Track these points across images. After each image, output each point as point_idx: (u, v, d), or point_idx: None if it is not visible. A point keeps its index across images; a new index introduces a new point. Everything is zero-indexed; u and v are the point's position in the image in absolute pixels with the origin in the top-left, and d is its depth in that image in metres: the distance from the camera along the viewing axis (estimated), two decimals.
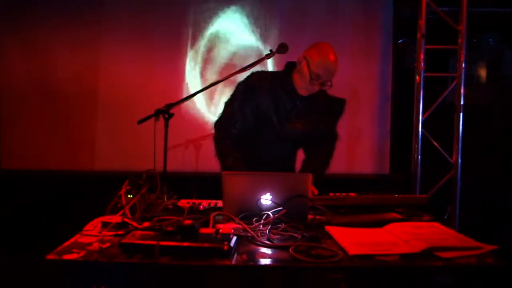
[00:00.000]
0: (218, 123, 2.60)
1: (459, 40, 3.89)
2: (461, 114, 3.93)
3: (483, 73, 4.79)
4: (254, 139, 2.54)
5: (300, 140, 2.62)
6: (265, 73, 2.61)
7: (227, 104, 2.58)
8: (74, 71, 4.04)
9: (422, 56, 3.89)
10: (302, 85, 2.43)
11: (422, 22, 3.87)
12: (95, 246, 1.64)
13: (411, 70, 4.02)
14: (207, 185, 2.37)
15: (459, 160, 3.95)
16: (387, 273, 1.56)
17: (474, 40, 4.50)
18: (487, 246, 1.67)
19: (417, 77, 3.93)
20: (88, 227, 1.88)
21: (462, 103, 3.93)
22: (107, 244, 1.65)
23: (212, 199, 2.27)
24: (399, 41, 4.24)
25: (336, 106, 2.63)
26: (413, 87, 3.96)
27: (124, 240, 1.61)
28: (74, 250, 1.59)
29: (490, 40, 4.76)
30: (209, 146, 4.08)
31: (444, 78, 4.22)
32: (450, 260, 1.57)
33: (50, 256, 1.54)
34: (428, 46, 3.90)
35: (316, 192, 2.30)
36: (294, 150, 2.67)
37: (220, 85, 3.92)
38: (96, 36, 4.05)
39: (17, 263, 3.52)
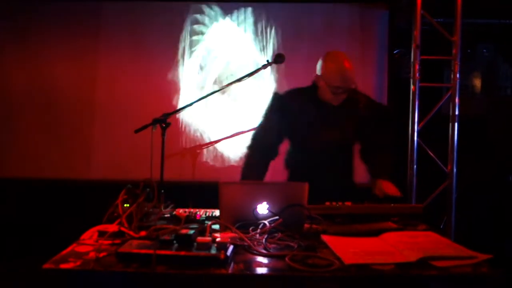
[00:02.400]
0: (255, 134, 2.64)
1: (454, 51, 3.93)
2: (456, 124, 3.96)
3: (477, 83, 4.83)
4: (299, 151, 2.56)
5: (345, 147, 2.61)
6: (297, 89, 2.62)
7: (264, 117, 2.61)
8: (71, 80, 4.06)
9: (417, 67, 3.93)
10: (328, 98, 2.45)
11: (417, 33, 3.90)
12: (92, 255, 1.64)
13: (406, 81, 4.05)
14: (204, 194, 2.38)
15: (454, 170, 3.97)
16: (382, 282, 1.56)
17: (469, 50, 4.54)
18: (481, 255, 1.68)
19: (412, 87, 3.96)
20: (85, 236, 1.88)
21: (457, 113, 3.96)
22: (104, 253, 1.65)
23: (209, 208, 2.28)
24: (395, 52, 4.28)
25: (378, 113, 2.61)
26: (409, 97, 3.99)
27: (121, 249, 1.61)
28: (71, 259, 1.59)
29: (485, 50, 4.82)
30: (206, 155, 4.14)
31: (439, 88, 4.26)
32: (445, 269, 1.58)
33: (46, 265, 1.54)
34: (423, 57, 3.94)
35: (399, 194, 2.32)
36: (342, 158, 2.63)
37: (217, 95, 3.94)
38: (93, 44, 4.07)
39: (13, 272, 3.50)
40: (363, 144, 2.62)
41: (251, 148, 2.62)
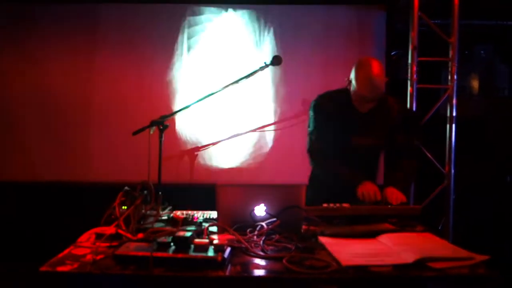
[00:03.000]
0: (308, 149, 2.60)
1: (451, 52, 3.94)
2: (453, 125, 3.96)
3: (475, 84, 4.85)
4: (336, 155, 2.52)
5: (374, 152, 2.60)
6: (328, 93, 2.60)
7: (309, 131, 2.60)
8: (69, 82, 4.05)
9: (414, 68, 3.93)
10: (356, 104, 2.44)
11: (414, 35, 3.91)
12: (89, 257, 1.63)
13: (404, 82, 4.06)
14: (202, 196, 2.38)
15: (452, 171, 3.97)
16: (380, 283, 1.56)
17: (466, 52, 4.56)
18: (479, 256, 1.68)
19: (409, 89, 3.97)
20: (82, 238, 1.87)
21: (454, 114, 3.96)
22: (101, 256, 1.65)
23: (206, 210, 2.28)
24: (392, 53, 4.29)
25: (409, 122, 2.59)
26: (406, 99, 3.99)
27: (118, 252, 1.61)
28: (68, 262, 1.59)
29: (482, 52, 4.83)
30: (204, 157, 4.14)
31: (436, 89, 4.26)
32: (442, 270, 1.58)
33: (43, 268, 1.54)
34: (420, 58, 3.95)
35: (405, 199, 2.28)
36: (370, 162, 2.62)
37: (214, 97, 3.94)
38: (91, 47, 4.06)
39: (11, 274, 3.50)
40: (391, 150, 2.59)
41: (319, 163, 2.57)
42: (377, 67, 2.32)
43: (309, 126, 2.60)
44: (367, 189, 2.30)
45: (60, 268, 1.54)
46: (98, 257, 1.63)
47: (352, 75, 2.39)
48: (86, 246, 1.78)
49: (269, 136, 4.08)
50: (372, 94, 2.34)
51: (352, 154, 2.51)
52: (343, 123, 2.50)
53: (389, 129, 2.51)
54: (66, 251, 1.71)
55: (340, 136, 2.51)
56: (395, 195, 2.28)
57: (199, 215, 2.19)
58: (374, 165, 2.67)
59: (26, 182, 4.00)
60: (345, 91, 2.49)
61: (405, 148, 2.53)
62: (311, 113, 2.59)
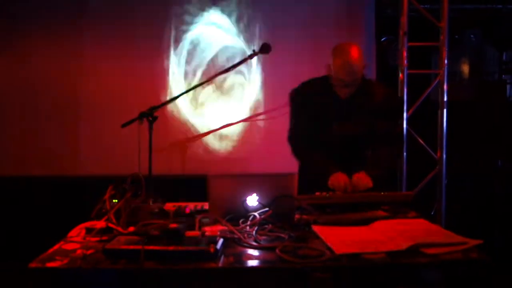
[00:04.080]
0: (289, 138, 2.60)
1: (441, 37, 3.93)
2: (444, 110, 3.96)
3: (465, 69, 4.84)
4: (319, 143, 2.51)
5: (358, 140, 2.55)
6: (310, 81, 2.58)
7: (290, 118, 2.60)
8: (55, 74, 3.99)
9: (405, 54, 3.92)
10: (336, 89, 2.42)
11: (404, 20, 3.89)
12: (79, 252, 1.61)
13: (394, 68, 4.05)
14: (194, 187, 2.36)
15: (444, 156, 3.98)
16: (374, 271, 1.56)
17: (456, 36, 4.54)
18: (472, 240, 1.68)
19: (400, 75, 3.96)
20: (72, 233, 1.85)
21: (445, 99, 3.96)
22: (92, 251, 1.62)
23: (198, 201, 2.26)
24: (382, 39, 4.27)
25: (391, 106, 2.57)
26: (397, 84, 3.98)
27: (109, 246, 1.59)
28: (58, 258, 1.57)
29: (472, 36, 4.82)
30: (195, 149, 4.11)
31: (427, 75, 4.26)
32: (435, 256, 1.58)
33: (33, 264, 1.51)
34: (410, 44, 3.93)
35: (371, 185, 2.27)
36: (355, 150, 2.58)
37: (204, 86, 3.91)
38: (77, 39, 4.00)
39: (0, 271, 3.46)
40: (373, 135, 2.55)
41: (298, 151, 2.57)
42: (354, 52, 2.31)
43: (293, 116, 2.60)
44: (337, 179, 2.28)
45: (50, 264, 1.52)
46: (89, 252, 1.61)
47: (331, 60, 2.37)
48: (76, 241, 1.75)
49: (260, 125, 4.06)
50: (350, 78, 2.33)
51: (338, 143, 2.49)
52: (324, 110, 2.47)
53: (373, 115, 2.47)
54: (55, 247, 1.69)
55: (322, 123, 2.48)
56: (361, 181, 2.27)
57: (191, 207, 2.17)
58: (363, 155, 2.65)
59: (14, 177, 3.94)
60: (325, 79, 2.47)
61: (386, 134, 2.50)
62: (290, 101, 2.58)
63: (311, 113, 2.49)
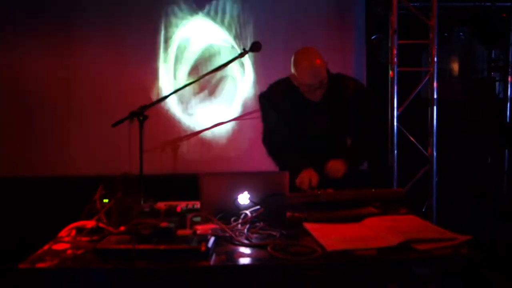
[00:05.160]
0: (262, 140, 2.61)
1: (431, 35, 3.95)
2: (435, 108, 3.98)
3: (455, 67, 4.88)
4: (293, 142, 2.51)
5: (334, 137, 2.57)
6: (279, 82, 2.57)
7: (262, 120, 2.60)
8: (45, 74, 3.96)
9: (395, 52, 3.93)
10: (308, 95, 2.41)
11: (394, 18, 3.91)
12: (70, 253, 1.60)
13: (384, 66, 4.06)
14: (186, 186, 2.35)
15: (435, 154, 4.00)
16: (365, 267, 1.56)
17: (446, 34, 4.57)
18: (461, 236, 1.70)
19: (390, 73, 3.97)
20: (62, 233, 1.83)
21: (435, 97, 3.98)
22: (82, 250, 1.61)
23: (190, 200, 2.25)
24: (372, 37, 4.28)
25: (361, 99, 2.54)
26: (387, 82, 4.00)
27: (99, 246, 1.58)
28: (48, 258, 1.56)
29: (461, 34, 4.85)
30: (186, 147, 4.10)
31: (417, 72, 4.28)
32: (426, 252, 1.59)
33: (22, 265, 1.50)
34: (400, 42, 3.95)
35: (342, 171, 2.30)
36: (333, 148, 2.55)
37: (194, 85, 3.90)
38: (67, 38, 3.97)
39: None
40: (350, 130, 2.58)
41: (273, 155, 2.57)
42: (314, 54, 2.33)
43: (263, 120, 2.60)
44: (303, 177, 2.29)
45: (40, 265, 1.50)
46: (79, 252, 1.60)
47: (293, 68, 2.37)
48: (66, 241, 1.74)
49: (251, 124, 4.05)
50: (316, 80, 2.32)
51: (313, 141, 2.50)
52: (295, 109, 2.47)
53: (346, 108, 2.48)
54: (45, 247, 1.67)
55: (294, 122, 2.49)
56: (334, 167, 2.31)
57: (182, 205, 2.16)
58: (338, 149, 2.65)
59: (3, 178, 3.90)
60: (293, 79, 2.46)
61: (362, 126, 2.51)
62: (259, 104, 2.60)
63: (281, 114, 2.49)
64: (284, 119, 2.50)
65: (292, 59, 2.38)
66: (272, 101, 2.53)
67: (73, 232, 1.81)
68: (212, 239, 1.64)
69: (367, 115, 2.53)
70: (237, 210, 1.94)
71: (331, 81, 2.41)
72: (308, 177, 2.27)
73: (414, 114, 4.03)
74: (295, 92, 2.44)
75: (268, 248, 1.61)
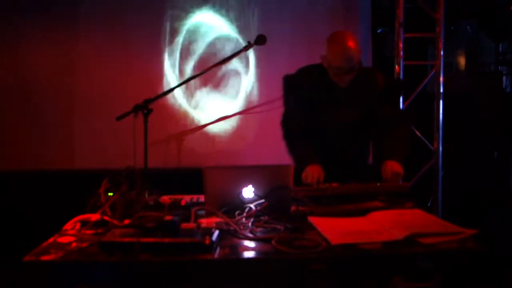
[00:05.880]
0: (281, 122, 2.59)
1: (437, 28, 3.91)
2: (441, 101, 3.96)
3: (461, 60, 4.84)
4: (315, 130, 2.49)
5: (358, 129, 2.53)
6: (308, 67, 2.55)
7: (284, 103, 2.59)
8: (50, 69, 3.95)
9: (401, 45, 3.90)
10: (335, 79, 2.39)
11: (400, 11, 3.87)
12: (74, 245, 1.60)
13: (390, 59, 4.03)
14: (190, 180, 2.34)
15: (440, 148, 3.98)
16: (370, 261, 1.56)
17: (452, 27, 4.53)
18: (468, 230, 1.68)
19: (396, 66, 3.95)
20: (67, 226, 1.84)
21: (441, 90, 3.95)
22: (87, 243, 1.62)
23: (194, 194, 2.25)
24: (378, 31, 4.25)
25: (390, 90, 2.55)
26: (393, 76, 3.97)
27: (104, 239, 1.58)
28: (52, 251, 1.56)
29: (468, 27, 4.81)
30: (191, 141, 4.09)
31: (423, 66, 4.25)
32: (432, 246, 1.58)
33: (27, 258, 1.51)
34: (406, 35, 3.91)
35: (401, 172, 2.25)
36: (356, 139, 2.56)
37: (199, 79, 3.88)
38: (72, 32, 3.96)
39: None
40: (377, 123, 2.51)
41: (287, 138, 2.56)
42: (350, 38, 2.31)
43: (285, 102, 2.59)
44: (310, 172, 2.27)
45: (44, 257, 1.51)
46: (84, 245, 1.60)
47: (325, 49, 2.35)
48: (71, 234, 1.74)
49: (255, 118, 4.04)
50: (347, 64, 2.30)
51: (334, 130, 2.47)
52: (321, 97, 2.45)
53: (373, 102, 2.46)
54: (50, 240, 1.68)
55: (318, 110, 2.47)
56: (395, 171, 2.23)
57: (187, 199, 2.16)
58: (363, 143, 2.64)
59: (8, 172, 3.92)
60: (323, 66, 2.45)
61: (391, 119, 2.47)
62: (283, 86, 2.57)
63: (305, 97, 2.47)
64: (307, 103, 2.47)
65: (328, 39, 2.36)
66: (297, 82, 2.51)
67: (78, 225, 1.82)
68: (216, 233, 1.64)
69: (397, 107, 2.50)
70: (241, 203, 1.93)
71: (361, 71, 2.40)
72: (317, 171, 2.26)
73: (420, 108, 4.00)
74: (323, 76, 2.43)
75: (273, 242, 1.60)
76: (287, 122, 2.56)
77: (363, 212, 1.96)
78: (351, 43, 2.29)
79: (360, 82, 2.42)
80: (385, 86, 2.49)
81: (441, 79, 3.94)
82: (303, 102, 2.48)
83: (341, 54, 2.29)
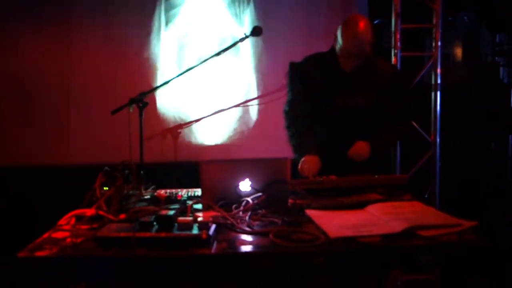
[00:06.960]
0: (284, 111, 2.57)
1: (435, 19, 3.88)
2: (438, 93, 3.94)
3: (459, 51, 4.82)
4: (320, 118, 2.47)
5: (365, 116, 2.48)
6: (315, 55, 2.54)
7: (288, 91, 2.57)
8: (44, 63, 3.91)
9: (398, 36, 3.87)
10: (341, 61, 2.39)
11: (397, 2, 3.83)
12: (69, 241, 1.58)
13: (387, 50, 4.01)
14: (187, 174, 2.32)
15: (438, 139, 3.97)
16: (369, 254, 1.54)
17: (450, 18, 4.51)
18: (467, 222, 1.67)
19: (393, 57, 3.92)
20: (62, 221, 1.82)
21: (439, 82, 3.93)
22: (82, 238, 1.60)
23: (191, 188, 2.23)
24: (375, 22, 4.22)
25: (399, 86, 2.52)
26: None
27: (99, 233, 1.56)
28: (47, 246, 1.54)
29: (466, 18, 4.79)
30: (186, 135, 4.07)
31: (421, 57, 4.22)
32: (431, 238, 1.56)
33: (22, 254, 1.49)
34: (404, 26, 3.88)
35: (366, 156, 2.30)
36: (362, 128, 2.49)
37: (195, 71, 3.84)
38: (65, 26, 3.91)
39: None
40: (383, 117, 2.49)
41: (289, 126, 2.53)
42: (364, 24, 2.30)
43: (289, 90, 2.56)
44: (306, 165, 2.25)
45: (39, 253, 1.49)
46: (79, 240, 1.58)
47: (339, 30, 2.35)
48: (66, 229, 1.72)
49: (253, 110, 4.01)
50: (357, 49, 2.30)
51: (339, 118, 2.44)
52: (325, 84, 2.43)
53: (377, 91, 2.43)
54: (45, 236, 1.66)
55: (322, 97, 2.44)
56: (359, 150, 2.30)
57: (183, 193, 2.14)
58: (367, 132, 2.60)
59: (2, 167, 3.88)
60: (331, 52, 2.44)
61: (396, 115, 2.45)
62: (288, 73, 2.55)
63: (311, 85, 2.45)
64: (313, 91, 2.45)
65: (344, 21, 2.35)
66: (303, 69, 2.50)
67: (73, 220, 1.80)
68: (213, 227, 1.62)
69: (400, 101, 2.49)
70: (238, 197, 1.92)
71: (369, 59, 2.40)
72: (309, 165, 2.24)
73: (417, 100, 3.98)
74: (329, 64, 2.42)
75: (270, 235, 1.59)
76: (291, 110, 2.54)
77: (361, 205, 1.95)
78: (365, 28, 2.29)
79: (366, 70, 2.41)
80: (394, 80, 2.48)
81: (439, 70, 3.92)
82: (309, 90, 2.46)
83: (352, 38, 2.29)
